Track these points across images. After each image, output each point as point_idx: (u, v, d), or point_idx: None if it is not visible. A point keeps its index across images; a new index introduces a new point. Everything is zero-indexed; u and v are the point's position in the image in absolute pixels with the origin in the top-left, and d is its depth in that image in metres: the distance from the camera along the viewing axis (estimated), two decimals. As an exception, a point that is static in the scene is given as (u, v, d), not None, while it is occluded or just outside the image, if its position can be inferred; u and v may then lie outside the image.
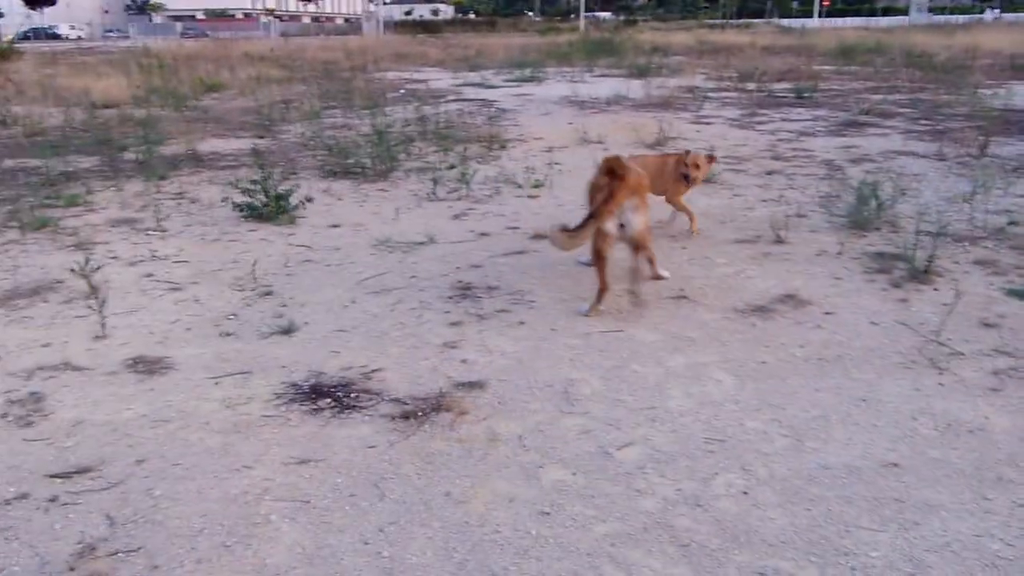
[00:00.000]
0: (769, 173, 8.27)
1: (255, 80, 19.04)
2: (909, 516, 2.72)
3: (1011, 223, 6.09)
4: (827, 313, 4.54)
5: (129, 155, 9.71)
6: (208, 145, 10.76)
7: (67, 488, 2.88)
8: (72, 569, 2.47)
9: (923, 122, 11.09)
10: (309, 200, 7.00)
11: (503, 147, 10.24)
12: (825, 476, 2.97)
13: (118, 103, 14.74)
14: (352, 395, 3.60)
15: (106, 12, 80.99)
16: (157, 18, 74.82)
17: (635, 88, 15.50)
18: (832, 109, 12.66)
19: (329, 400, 3.55)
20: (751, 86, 15.68)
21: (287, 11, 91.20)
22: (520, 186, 7.96)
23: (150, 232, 6.35)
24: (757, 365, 3.90)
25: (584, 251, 4.80)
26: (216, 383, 3.73)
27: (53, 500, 2.82)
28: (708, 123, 11.70)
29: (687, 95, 14.74)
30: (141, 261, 5.61)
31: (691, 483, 2.93)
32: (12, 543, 2.60)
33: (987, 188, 6.74)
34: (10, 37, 34.07)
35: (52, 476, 2.94)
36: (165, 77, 18.59)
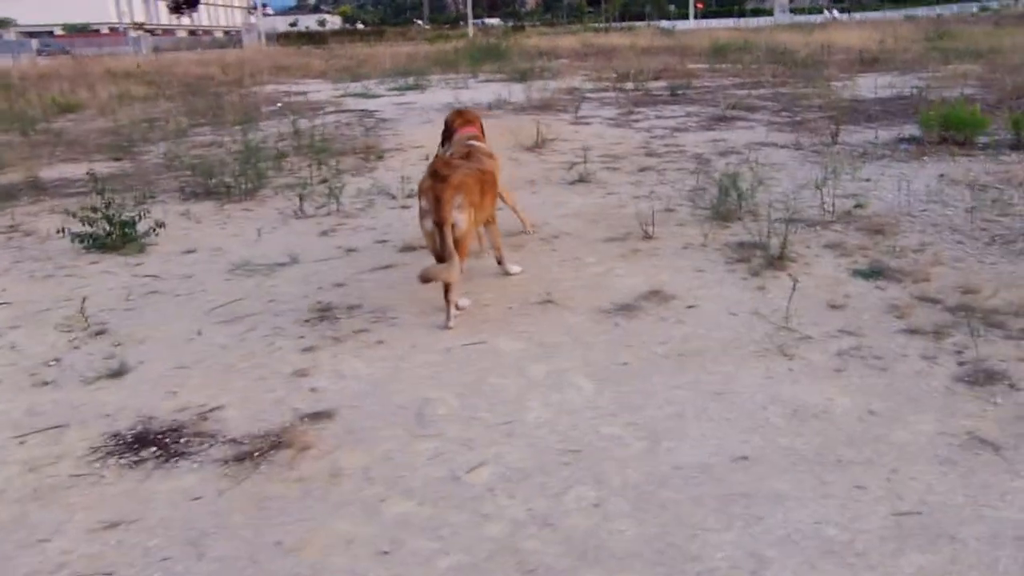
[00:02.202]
0: (642, 170, 8.30)
1: (117, 99, 18.09)
2: (755, 510, 2.66)
3: (857, 206, 6.27)
4: (689, 307, 4.50)
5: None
6: (55, 171, 10.07)
7: None
8: None
9: (783, 114, 11.42)
10: (160, 225, 6.55)
11: (380, 158, 9.99)
12: (677, 477, 2.88)
13: (-51, 129, 13.70)
14: (181, 440, 3.30)
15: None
16: (7, 35, 69.91)
17: (517, 92, 15.46)
18: (704, 105, 12.92)
19: (154, 449, 3.24)
20: (629, 86, 15.87)
21: (159, 24, 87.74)
22: (394, 197, 7.74)
23: (-26, 270, 5.81)
24: (618, 367, 3.81)
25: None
26: (21, 442, 3.35)
27: None
28: (587, 123, 11.73)
29: (567, 97, 14.80)
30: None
31: (542, 501, 2.79)
32: None
33: (837, 174, 6.93)
34: None
35: None
36: (11, 98, 17.45)
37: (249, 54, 41.01)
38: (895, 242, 5.37)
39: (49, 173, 9.88)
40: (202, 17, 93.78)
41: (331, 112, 14.82)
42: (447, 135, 5.48)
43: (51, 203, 8.13)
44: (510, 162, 9.04)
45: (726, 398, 3.44)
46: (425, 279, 4.24)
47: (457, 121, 5.46)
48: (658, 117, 11.93)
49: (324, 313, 4.67)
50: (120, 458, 3.20)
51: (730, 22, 55.78)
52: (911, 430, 3.13)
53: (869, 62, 18.25)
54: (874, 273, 4.82)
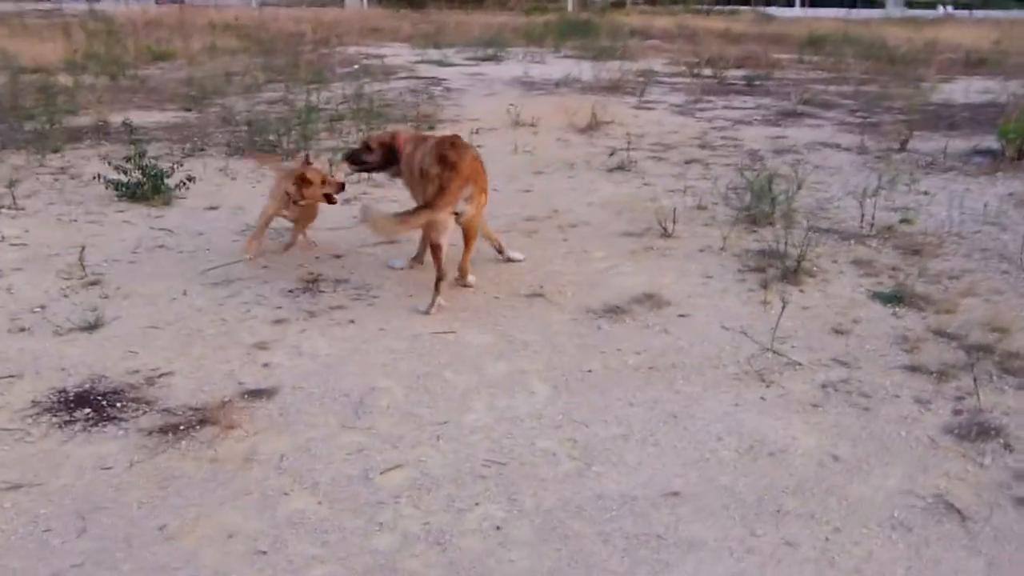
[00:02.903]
0: (688, 162, 7.94)
1: (207, 50, 18.48)
2: (664, 556, 2.44)
3: (903, 221, 5.81)
4: (681, 316, 4.24)
5: (33, 125, 9.23)
6: (128, 116, 10.29)
7: None
8: None
9: (858, 114, 10.75)
10: (191, 179, 6.59)
11: (431, 128, 9.85)
12: (595, 508, 2.67)
13: (49, 69, 14.18)
14: (118, 404, 3.26)
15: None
16: (130, -18, 72.53)
17: (592, 70, 15.09)
18: (778, 98, 12.30)
19: (88, 411, 3.21)
20: (706, 72, 15.28)
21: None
22: (426, 169, 7.60)
23: (2, 210, 5.95)
24: (581, 374, 3.60)
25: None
26: (-27, 388, 3.38)
27: None
28: (650, 108, 11.33)
29: (640, 79, 14.35)
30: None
31: (445, 515, 2.63)
32: None
33: (893, 184, 6.44)
34: None
35: None
36: (110, 44, 17.99)
37: (347, 14, 41.40)
38: (931, 265, 4.94)
39: (119, 118, 10.08)
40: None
41: (402, 77, 14.78)
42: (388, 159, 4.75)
43: (108, 148, 8.29)
44: (557, 143, 8.81)
45: (680, 423, 3.19)
46: (369, 223, 4.18)
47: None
48: (725, 107, 11.42)
49: (309, 285, 4.59)
50: (54, 416, 3.18)
51: (839, 12, 53.51)
52: (872, 484, 2.83)
53: (975, 64, 17.08)
54: (895, 298, 4.43)
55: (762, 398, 3.39)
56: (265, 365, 3.65)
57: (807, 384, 3.51)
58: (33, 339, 3.88)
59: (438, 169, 4.09)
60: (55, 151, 7.99)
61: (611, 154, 7.87)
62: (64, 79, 13.11)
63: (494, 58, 18.29)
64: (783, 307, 4.05)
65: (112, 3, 41.71)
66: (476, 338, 3.96)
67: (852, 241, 5.40)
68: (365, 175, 6.08)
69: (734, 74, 15.04)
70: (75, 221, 5.80)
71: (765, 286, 4.59)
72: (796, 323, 4.10)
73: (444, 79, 14.52)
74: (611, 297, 4.45)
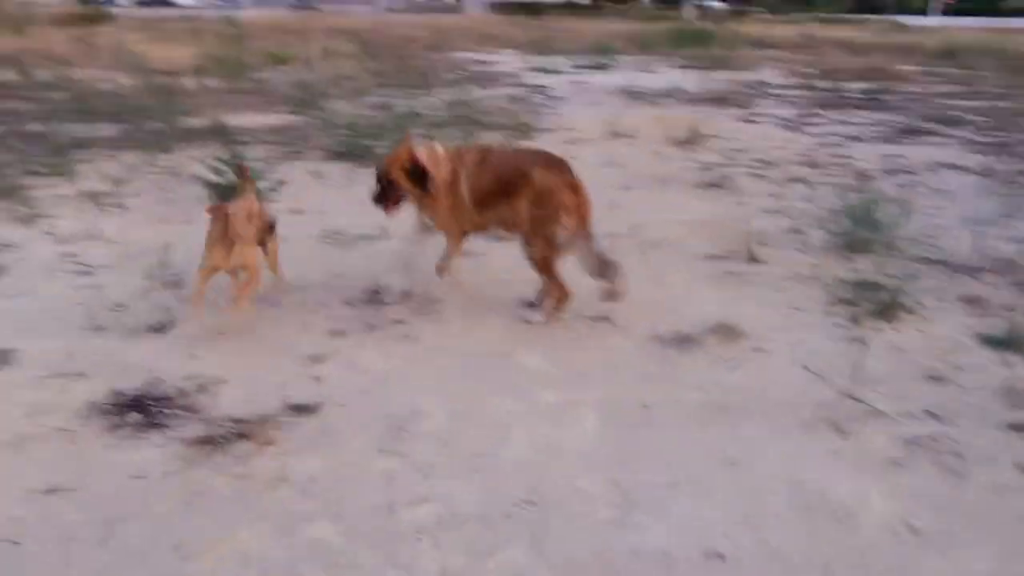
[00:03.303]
0: (791, 181, 7.52)
1: (324, 54, 19.02)
2: (695, 633, 2.20)
3: (1025, 254, 5.27)
4: (756, 350, 3.95)
5: (153, 124, 9.65)
6: (238, 119, 10.64)
7: None
8: None
9: (991, 133, 9.96)
10: (281, 183, 6.72)
11: (528, 136, 9.76)
12: (627, 564, 2.47)
13: (178, 71, 14.88)
14: (167, 411, 3.27)
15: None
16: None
17: (701, 80, 14.69)
18: (899, 113, 11.59)
19: (138, 415, 3.23)
20: (823, 84, 14.59)
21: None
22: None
23: (106, 208, 6.20)
24: (638, 409, 3.38)
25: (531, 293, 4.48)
26: (40, 385, 3.46)
27: None
28: (756, 122, 10.89)
29: (750, 91, 13.84)
30: (73, 239, 5.43)
31: (463, 558, 2.48)
32: None
33: (1019, 211, 5.86)
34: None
35: None
36: (235, 47, 18.78)
37: (464, 21, 42.03)
38: (1052, 307, 4.45)
39: (233, 120, 10.44)
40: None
41: (506, 85, 14.77)
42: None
43: (213, 150, 8.57)
44: (652, 157, 8.54)
45: (737, 472, 2.93)
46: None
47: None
48: (840, 123, 10.83)
49: (374, 296, 4.54)
50: (105, 418, 3.21)
51: (981, 21, 50.22)
52: (956, 565, 2.50)
53: None
54: (1006, 342, 4.00)
55: (834, 450, 3.08)
56: (316, 379, 3.60)
57: (889, 437, 3.17)
58: (106, 338, 3.95)
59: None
60: (166, 151, 8.29)
61: (707, 169, 7.55)
62: (188, 81, 13.77)
63: (602, 67, 18.07)
64: (864, 348, 3.71)
65: (251, 9, 43.88)
66: (531, 362, 3.80)
67: (962, 275, 4.93)
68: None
69: (853, 87, 14.30)
70: (167, 222, 5.97)
71: (855, 322, 4.23)
72: (886, 366, 3.75)
73: (548, 87, 14.43)
74: (683, 325, 4.20)
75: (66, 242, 5.35)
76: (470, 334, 4.09)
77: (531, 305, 4.37)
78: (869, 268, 5.01)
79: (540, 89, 14.12)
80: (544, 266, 4.13)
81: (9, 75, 12.66)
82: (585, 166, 7.91)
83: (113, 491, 2.76)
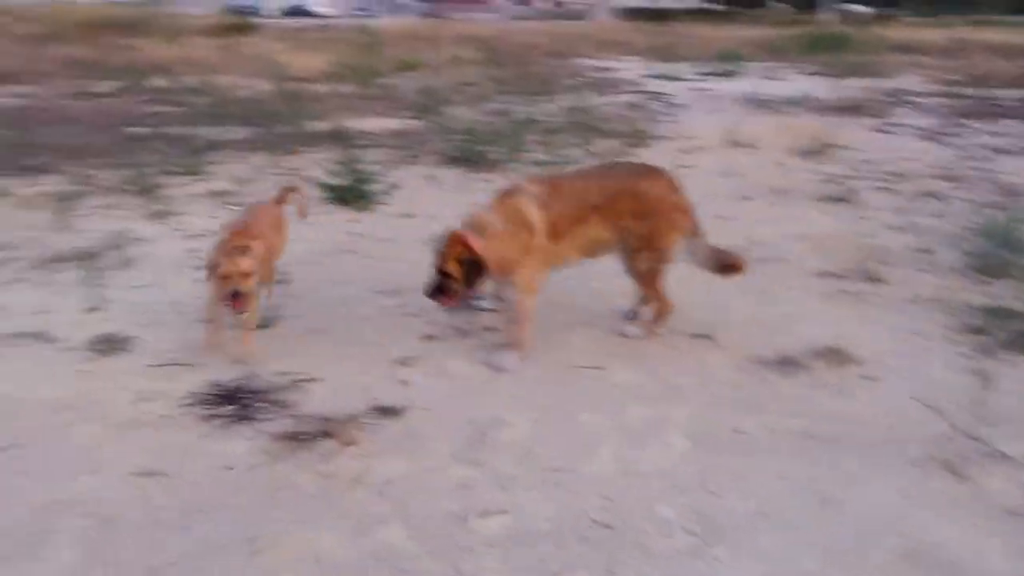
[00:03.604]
0: (924, 195, 7.06)
1: (450, 61, 19.37)
2: None
3: None
4: (866, 377, 3.69)
5: (283, 128, 10.05)
6: (362, 123, 10.94)
7: None
8: None
9: None
10: (394, 187, 6.86)
11: (644, 144, 9.60)
12: (700, 600, 2.33)
13: (311, 78, 15.50)
14: (258, 405, 3.36)
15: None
16: (401, -2, 78.11)
17: (833, 88, 14.06)
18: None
19: (233, 407, 3.34)
20: (970, 91, 13.65)
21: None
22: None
23: (230, 206, 6.48)
24: (730, 433, 3.22)
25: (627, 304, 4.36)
26: (149, 372, 3.63)
27: None
28: (890, 132, 10.30)
29: (886, 99, 13.12)
30: (199, 236, 5.68)
31: (528, 576, 2.41)
32: None
33: None
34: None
35: None
36: (367, 54, 19.38)
37: (589, 28, 41.91)
38: None
39: (356, 125, 10.76)
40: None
41: (626, 91, 14.59)
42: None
43: (334, 153, 8.84)
44: (773, 167, 8.20)
45: (832, 509, 2.73)
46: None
47: None
48: (987, 133, 10.08)
49: (472, 301, 4.52)
50: (203, 408, 3.34)
51: None
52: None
53: None
54: None
55: (946, 494, 2.83)
56: (403, 382, 3.62)
57: (1011, 484, 2.88)
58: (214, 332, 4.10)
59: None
60: (291, 153, 8.62)
61: (830, 181, 7.19)
62: (319, 87, 14.33)
63: (727, 74, 17.58)
64: (999, 381, 3.39)
65: (386, 17, 45.37)
66: (624, 377, 3.69)
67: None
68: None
69: (1006, 94, 13.30)
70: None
71: (984, 352, 3.89)
72: (1014, 403, 3.42)
73: (669, 94, 14.16)
74: (788, 346, 3.98)
75: (193, 238, 5.61)
76: (563, 345, 4.02)
77: (629, 317, 4.26)
78: (1005, 294, 4.61)
79: (660, 96, 13.87)
80: (650, 279, 4.01)
81: (160, 82, 13.52)
82: (700, 175, 7.77)
83: (202, 479, 2.85)
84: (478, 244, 3.60)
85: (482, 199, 4.09)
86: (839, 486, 2.86)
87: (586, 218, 3.83)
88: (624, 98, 13.57)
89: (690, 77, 17.03)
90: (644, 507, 2.74)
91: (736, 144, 9.35)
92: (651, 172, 4.08)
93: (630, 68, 19.10)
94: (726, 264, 4.05)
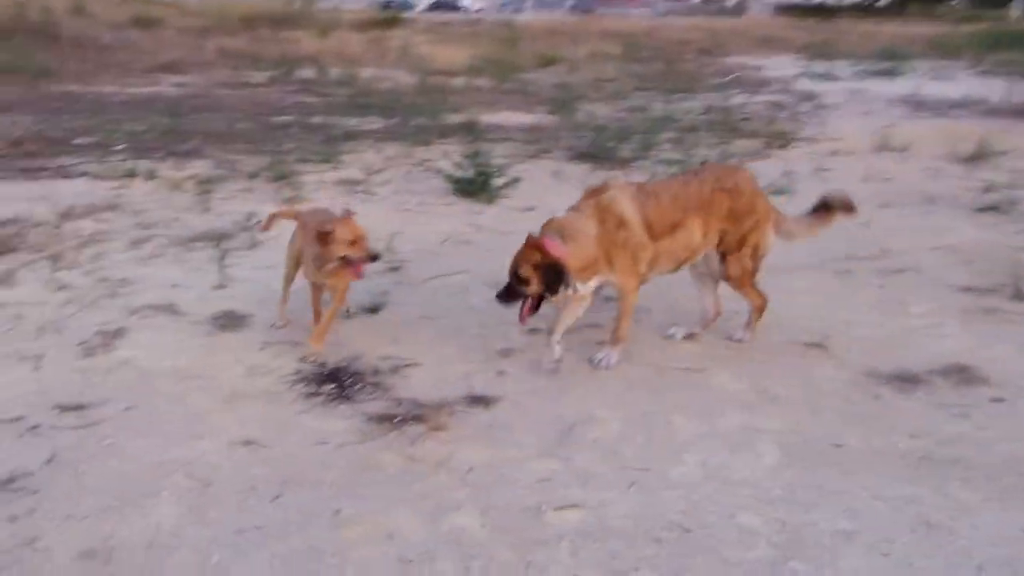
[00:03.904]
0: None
1: (590, 57, 19.32)
2: None
3: None
4: (996, 400, 3.42)
5: (418, 120, 10.32)
6: (495, 117, 11.10)
7: (51, 420, 3.14)
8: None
9: None
10: (516, 180, 6.93)
11: (784, 146, 9.24)
12: (771, 616, 2.23)
13: (452, 71, 15.86)
14: (357, 386, 3.49)
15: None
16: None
17: (1008, 90, 12.95)
18: None
19: (333, 386, 3.48)
20: None
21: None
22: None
23: (357, 194, 6.75)
24: (828, 447, 3.06)
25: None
26: (261, 348, 3.84)
27: (34, 428, 3.09)
28: (1066, 137, 9.39)
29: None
30: (324, 222, 5.96)
31: (594, 573, 2.39)
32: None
33: None
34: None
35: (57, 406, 3.25)
36: (509, 49, 19.61)
37: (743, 24, 40.64)
38: None
39: (489, 119, 10.94)
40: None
41: (774, 91, 14.07)
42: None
43: (468, 145, 9.02)
44: (924, 173, 7.70)
45: (934, 536, 2.55)
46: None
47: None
48: None
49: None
50: (306, 386, 3.50)
51: None
52: None
53: None
54: None
55: (1067, 529, 2.57)
56: (500, 373, 3.65)
57: None
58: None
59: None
60: (425, 144, 8.85)
61: (986, 190, 6.66)
62: (459, 81, 14.65)
63: (888, 73, 16.58)
64: None
65: (534, 11, 45.78)
66: (724, 382, 3.58)
67: None
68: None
69: None
70: (407, 210, 6.39)
71: None
72: None
73: (819, 94, 13.54)
74: (910, 362, 3.74)
75: (318, 224, 5.88)
76: (666, 346, 3.95)
77: (690, 335, 4.11)
78: None
79: (811, 96, 13.28)
80: (746, 279, 3.90)
81: (308, 73, 14.23)
82: (839, 180, 7.39)
83: (297, 453, 3.00)
84: (558, 249, 3.47)
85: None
86: (945, 512, 2.66)
87: (683, 222, 3.71)
88: (771, 97, 13.11)
89: (846, 76, 16.21)
90: (725, 514, 2.66)
91: (886, 148, 8.84)
92: (739, 171, 3.98)
93: (782, 66, 18.38)
94: (830, 208, 3.97)
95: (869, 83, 15.23)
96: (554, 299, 3.55)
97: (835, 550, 2.48)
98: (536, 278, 3.45)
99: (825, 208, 3.97)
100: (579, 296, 3.66)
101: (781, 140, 9.40)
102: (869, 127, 9.94)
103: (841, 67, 17.73)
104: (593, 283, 3.65)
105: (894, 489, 2.79)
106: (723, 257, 3.87)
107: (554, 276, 3.44)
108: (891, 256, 5.25)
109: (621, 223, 3.58)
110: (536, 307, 3.54)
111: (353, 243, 3.56)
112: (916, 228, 5.94)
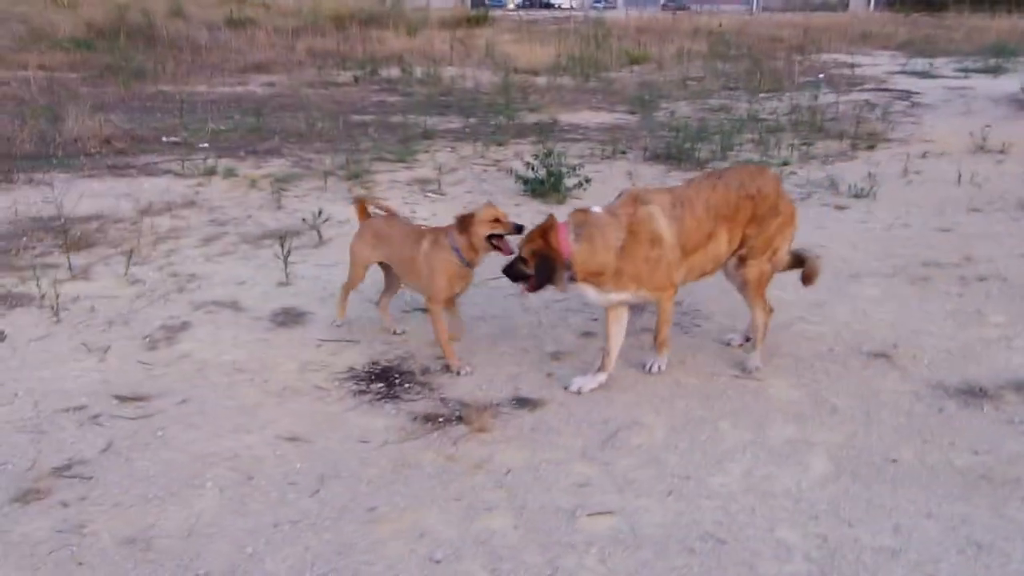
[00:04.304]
0: None
1: (678, 55, 18.99)
2: None
3: None
4: (1070, 419, 3.20)
5: (497, 119, 10.32)
6: (575, 116, 11.04)
7: (110, 410, 3.29)
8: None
9: None
10: (587, 181, 6.90)
11: (872, 147, 8.90)
12: (800, 635, 2.16)
13: (535, 70, 15.83)
14: (406, 384, 3.54)
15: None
16: (646, -11, 77.32)
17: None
18: None
19: (382, 385, 3.54)
20: None
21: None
22: (838, 192, 6.90)
23: (429, 194, 6.84)
24: (881, 461, 2.94)
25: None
26: (318, 345, 3.94)
27: (95, 417, 3.23)
28: None
29: None
30: (388, 219, 6.04)
31: (622, 583, 2.36)
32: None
33: None
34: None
35: (116, 396, 3.40)
36: (596, 47, 19.44)
37: (843, 20, 39.27)
38: None
39: (569, 118, 10.90)
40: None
41: (867, 89, 13.54)
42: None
43: (544, 145, 8.99)
44: (1019, 176, 7.28)
45: (984, 557, 2.42)
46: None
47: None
48: None
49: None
50: (356, 384, 3.57)
51: None
52: None
53: None
54: None
55: None
56: (549, 375, 3.65)
57: None
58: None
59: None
60: (500, 144, 8.87)
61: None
62: (541, 80, 14.63)
63: (994, 69, 15.74)
64: None
65: (625, 10, 45.27)
66: (780, 391, 3.48)
67: None
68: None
69: None
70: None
71: None
72: None
73: (916, 92, 12.97)
74: (980, 375, 3.56)
75: (382, 221, 5.98)
76: (721, 352, 3.87)
77: (737, 343, 3.97)
78: None
79: (906, 95, 12.73)
80: (763, 286, 3.65)
81: (393, 72, 14.45)
82: (928, 183, 7.11)
83: (340, 449, 3.06)
84: (565, 243, 3.30)
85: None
86: (998, 533, 2.53)
87: (713, 233, 3.51)
88: (865, 96, 12.61)
89: (948, 74, 15.49)
90: (763, 527, 2.58)
91: (982, 150, 8.42)
92: (763, 172, 3.75)
93: (880, 63, 17.71)
94: (802, 262, 3.79)
95: (972, 81, 14.50)
96: (557, 288, 3.39)
97: (876, 568, 2.38)
98: (532, 263, 3.35)
99: (797, 261, 3.77)
100: (613, 307, 3.48)
101: (869, 140, 9.06)
102: (966, 127, 9.47)
103: (942, 64, 16.95)
104: (617, 297, 3.43)
105: (946, 507, 2.66)
106: (743, 261, 3.63)
107: (545, 268, 3.31)
108: (974, 263, 5.00)
109: (655, 240, 3.36)
110: (536, 288, 3.41)
111: (496, 221, 3.55)
112: (1004, 235, 5.65)
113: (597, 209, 3.44)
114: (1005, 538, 2.51)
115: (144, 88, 12.05)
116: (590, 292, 3.42)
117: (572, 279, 3.37)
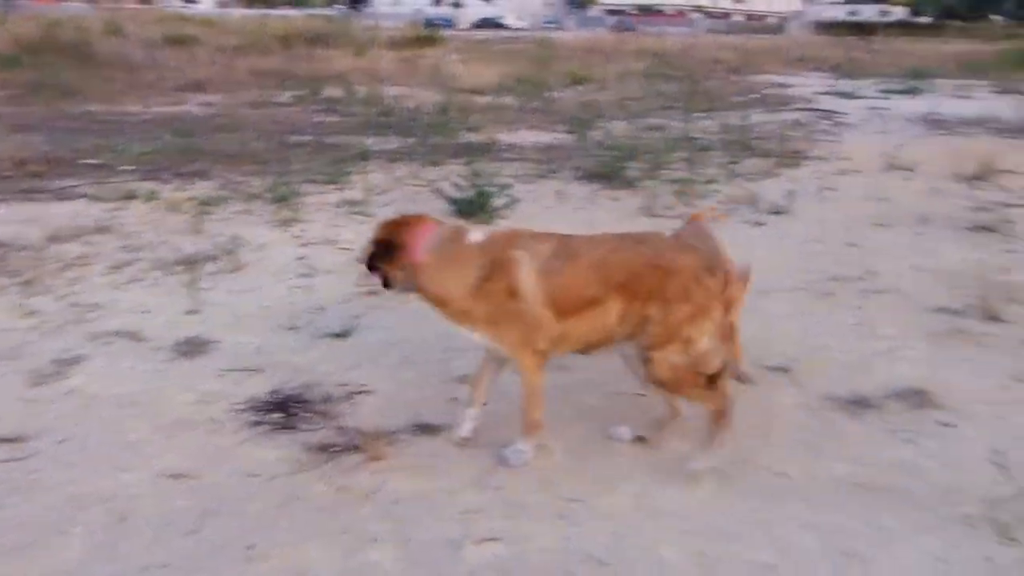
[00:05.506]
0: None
1: (621, 76, 19.21)
2: None
3: None
4: (944, 424, 3.37)
5: (435, 139, 10.24)
6: (513, 136, 11.01)
7: None
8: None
9: None
10: (514, 201, 6.91)
11: (795, 165, 9.13)
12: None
13: (479, 90, 15.83)
14: (304, 415, 3.48)
15: (550, 4, 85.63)
16: (593, 11, 78.54)
17: (1020, 108, 12.69)
18: None
19: (280, 415, 3.47)
20: None
21: (719, 8, 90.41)
22: (758, 209, 7.06)
23: (355, 216, 6.76)
24: (770, 477, 3.02)
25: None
26: (220, 375, 3.86)
27: None
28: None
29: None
30: (312, 244, 5.98)
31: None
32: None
33: None
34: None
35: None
36: (540, 67, 19.54)
37: (782, 42, 40.28)
38: None
39: (508, 138, 10.86)
40: (758, 2, 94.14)
41: (795, 109, 13.90)
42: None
43: (478, 165, 8.89)
44: (925, 193, 7.56)
45: (853, 566, 2.50)
46: None
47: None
48: None
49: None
50: (253, 415, 3.49)
51: None
52: None
53: None
54: None
55: (987, 558, 2.50)
56: (453, 400, 3.62)
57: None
58: (294, 339, 4.30)
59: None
60: (436, 164, 8.81)
61: (982, 210, 6.51)
62: (483, 100, 14.63)
63: (911, 91, 16.31)
64: None
65: (574, 29, 45.73)
66: (680, 409, 3.51)
67: None
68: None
69: None
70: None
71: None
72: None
73: (840, 112, 13.37)
74: (868, 386, 3.68)
75: (307, 246, 5.92)
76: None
77: (640, 439, 3.30)
78: None
79: (830, 114, 13.11)
80: (685, 384, 2.99)
81: (335, 92, 14.32)
82: (842, 200, 7.30)
83: (224, 484, 2.98)
84: (419, 241, 3.00)
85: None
86: (868, 541, 2.61)
87: (602, 299, 2.94)
88: (791, 116, 12.97)
89: (870, 95, 15.99)
90: (648, 547, 2.62)
91: (893, 167, 8.71)
92: (686, 249, 3.11)
93: (809, 84, 18.21)
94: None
95: (892, 101, 15.01)
96: (388, 286, 3.13)
97: (754, 580, 2.42)
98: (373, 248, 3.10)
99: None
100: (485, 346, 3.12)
101: (791, 159, 9.29)
102: (881, 145, 9.79)
103: (867, 85, 17.49)
104: (472, 337, 3.09)
105: (824, 518, 2.74)
106: (647, 352, 2.96)
107: (382, 253, 3.07)
108: (875, 277, 5.16)
109: (511, 292, 2.92)
110: (385, 284, 3.13)
111: None
112: (905, 248, 5.86)
113: (476, 234, 3.08)
114: (874, 545, 2.59)
115: (71, 107, 11.76)
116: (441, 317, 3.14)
117: (411, 289, 3.10)
